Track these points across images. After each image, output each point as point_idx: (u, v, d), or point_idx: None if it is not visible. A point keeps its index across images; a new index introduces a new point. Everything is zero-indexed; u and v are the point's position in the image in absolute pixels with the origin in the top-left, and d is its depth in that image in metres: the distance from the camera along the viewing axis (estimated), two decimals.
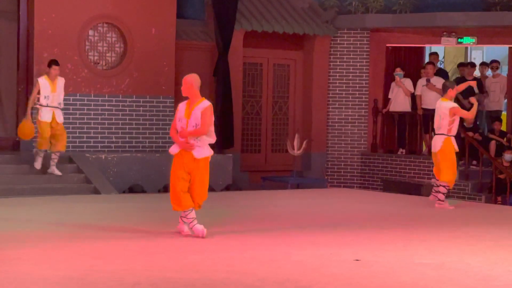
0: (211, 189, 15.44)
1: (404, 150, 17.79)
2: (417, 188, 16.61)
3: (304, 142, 16.96)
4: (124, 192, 14.86)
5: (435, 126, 12.92)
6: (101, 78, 15.85)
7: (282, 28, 17.84)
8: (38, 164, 14.11)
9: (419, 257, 8.45)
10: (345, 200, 14.03)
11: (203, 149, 9.44)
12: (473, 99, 13.30)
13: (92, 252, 8.34)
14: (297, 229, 10.35)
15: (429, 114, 16.13)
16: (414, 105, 17.66)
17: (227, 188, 16.03)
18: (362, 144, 18.64)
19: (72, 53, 15.51)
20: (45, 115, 13.87)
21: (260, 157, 18.45)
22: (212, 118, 9.44)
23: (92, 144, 15.71)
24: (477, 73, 18.31)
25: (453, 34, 18.39)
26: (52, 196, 13.37)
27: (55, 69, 13.99)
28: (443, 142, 12.64)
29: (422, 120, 17.27)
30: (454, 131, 12.77)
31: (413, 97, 17.66)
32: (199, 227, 9.45)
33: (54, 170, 14.11)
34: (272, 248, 8.81)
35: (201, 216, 10.99)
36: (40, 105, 13.89)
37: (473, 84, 13.59)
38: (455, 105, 12.94)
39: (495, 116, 17.46)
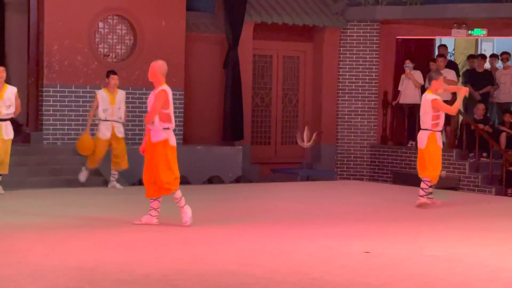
0: (220, 181, 15.65)
1: (414, 142, 17.72)
2: None
3: (314, 134, 16.94)
4: (134, 184, 14.87)
5: (420, 120, 12.05)
6: None
7: (291, 20, 17.81)
8: (83, 176, 13.54)
9: (430, 249, 8.44)
10: (355, 192, 14.03)
11: (157, 133, 9.64)
12: (459, 91, 12.30)
13: (103, 244, 8.36)
14: (307, 221, 10.35)
15: None
16: None
17: (237, 180, 16.04)
18: (372, 136, 18.62)
19: (82, 45, 15.52)
20: (104, 131, 13.41)
21: (270, 149, 18.44)
22: (163, 102, 9.57)
23: None
24: (487, 65, 18.23)
25: (464, 26, 18.31)
26: (62, 189, 13.40)
27: (113, 78, 13.57)
28: (427, 140, 11.84)
29: None
30: (440, 126, 11.99)
31: (423, 89, 17.60)
32: (146, 217, 9.68)
33: (115, 185, 13.64)
34: (283, 240, 8.81)
35: (212, 207, 11.04)
36: (99, 119, 13.45)
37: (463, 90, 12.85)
38: (437, 97, 11.84)
39: (505, 108, 17.40)
